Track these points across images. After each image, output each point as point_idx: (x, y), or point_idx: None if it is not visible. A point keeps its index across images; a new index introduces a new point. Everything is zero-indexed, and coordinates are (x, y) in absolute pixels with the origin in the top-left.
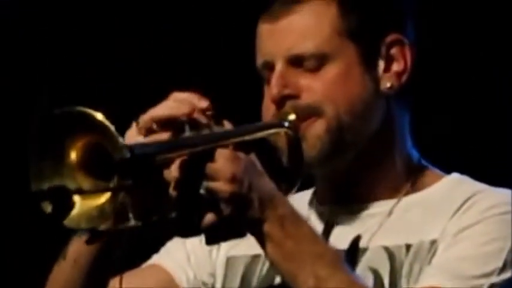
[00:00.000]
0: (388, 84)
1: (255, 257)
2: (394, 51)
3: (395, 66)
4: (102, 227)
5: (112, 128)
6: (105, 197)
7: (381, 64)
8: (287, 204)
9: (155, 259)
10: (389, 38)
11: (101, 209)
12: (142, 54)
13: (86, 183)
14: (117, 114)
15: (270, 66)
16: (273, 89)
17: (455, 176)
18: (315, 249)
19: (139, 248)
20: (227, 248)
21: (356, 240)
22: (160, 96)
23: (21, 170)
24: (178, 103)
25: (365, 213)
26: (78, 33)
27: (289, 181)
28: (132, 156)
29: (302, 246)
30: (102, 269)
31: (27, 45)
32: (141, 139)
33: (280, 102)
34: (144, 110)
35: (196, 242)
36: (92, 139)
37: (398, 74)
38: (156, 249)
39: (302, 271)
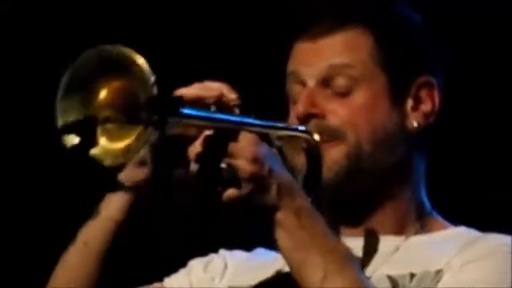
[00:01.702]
0: (415, 124)
1: None
2: (423, 92)
3: (423, 107)
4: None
5: (147, 69)
6: (130, 138)
7: (410, 102)
8: (304, 197)
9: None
10: (421, 79)
11: (126, 146)
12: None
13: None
14: None
15: (300, 81)
16: (300, 106)
17: (462, 227)
18: (328, 243)
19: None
20: (229, 278)
21: (363, 265)
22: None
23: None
24: (208, 87)
25: None
26: (76, 32)
27: None
28: (161, 94)
29: (314, 239)
30: (113, 254)
31: (25, 43)
32: None
33: (305, 120)
34: None
35: (200, 271)
36: (125, 82)
37: (426, 115)
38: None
39: (311, 262)
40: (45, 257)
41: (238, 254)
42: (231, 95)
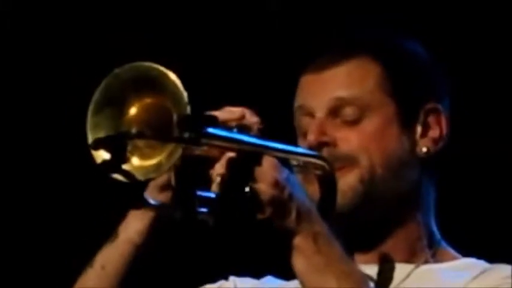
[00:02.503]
0: (425, 149)
1: None
2: (431, 118)
3: (432, 133)
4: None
5: (181, 87)
6: (161, 155)
7: (419, 129)
8: (322, 222)
9: None
10: (428, 106)
11: (157, 163)
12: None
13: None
14: None
15: (308, 112)
16: (311, 136)
17: (473, 258)
18: (344, 268)
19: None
20: None
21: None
22: None
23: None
24: (230, 110)
25: None
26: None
27: None
28: (193, 112)
29: (331, 264)
30: (130, 278)
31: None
32: None
33: (317, 149)
34: None
35: None
36: (157, 99)
37: (435, 141)
38: None
39: (327, 286)
40: (64, 274)
41: (248, 281)
42: (253, 119)
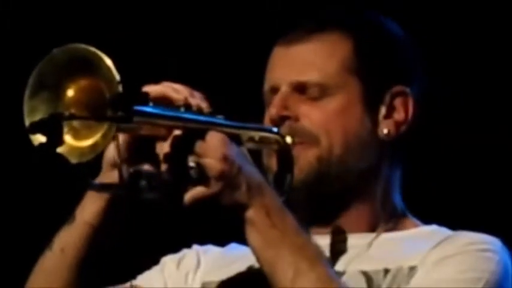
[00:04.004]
0: (386, 130)
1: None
2: (397, 101)
3: (396, 116)
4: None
5: (113, 66)
6: (97, 136)
7: (383, 110)
8: (274, 195)
9: (136, 282)
10: (396, 88)
11: (93, 144)
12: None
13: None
14: None
15: (274, 86)
16: (273, 109)
17: (434, 225)
18: (298, 240)
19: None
20: (203, 274)
21: (331, 261)
22: None
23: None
24: (174, 88)
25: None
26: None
27: None
28: (125, 91)
29: (285, 237)
30: (90, 261)
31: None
32: None
33: (279, 122)
34: None
35: (173, 268)
36: (91, 81)
37: (398, 123)
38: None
39: (282, 260)
40: (21, 259)
41: (211, 250)
42: (198, 95)
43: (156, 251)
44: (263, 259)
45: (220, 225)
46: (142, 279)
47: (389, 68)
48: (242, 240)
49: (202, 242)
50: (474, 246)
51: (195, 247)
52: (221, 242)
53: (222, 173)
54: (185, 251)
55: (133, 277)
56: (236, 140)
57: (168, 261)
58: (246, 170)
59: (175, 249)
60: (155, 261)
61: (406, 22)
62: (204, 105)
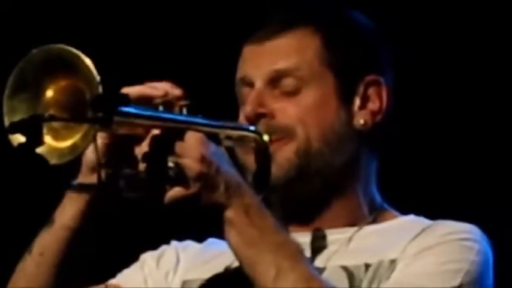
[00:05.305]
0: (362, 121)
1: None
2: (371, 91)
3: (371, 105)
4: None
5: (93, 67)
6: (76, 136)
7: (357, 101)
8: (253, 194)
9: (113, 282)
10: (368, 78)
11: (72, 144)
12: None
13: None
14: None
15: (248, 83)
16: (248, 107)
17: (411, 215)
18: (278, 239)
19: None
20: (183, 272)
21: (312, 258)
22: None
23: None
24: (152, 85)
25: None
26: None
27: None
28: (106, 91)
29: (265, 236)
30: (69, 265)
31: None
32: None
33: (254, 120)
34: None
35: (153, 266)
36: (71, 82)
37: (373, 113)
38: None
39: (263, 260)
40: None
41: (191, 245)
42: (176, 91)
43: (134, 247)
44: (243, 259)
45: (199, 219)
46: (121, 278)
47: (360, 59)
48: (221, 235)
49: (180, 238)
50: (453, 236)
51: (174, 243)
52: (200, 237)
53: (200, 173)
54: (164, 247)
55: (113, 275)
56: (214, 138)
57: (148, 258)
58: (224, 170)
59: (153, 245)
60: (134, 258)
61: (406, 22)
62: (184, 104)
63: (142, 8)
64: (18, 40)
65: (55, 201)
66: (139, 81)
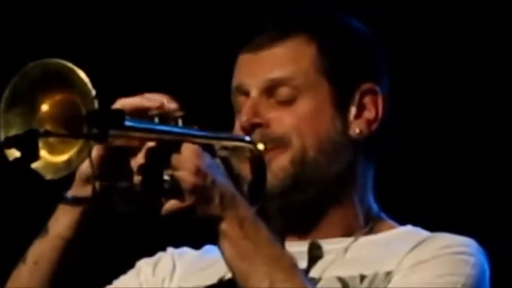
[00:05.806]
0: (358, 130)
1: None
2: (366, 99)
3: (367, 114)
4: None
5: (88, 82)
6: (72, 152)
7: (353, 110)
8: (248, 207)
9: None
10: (364, 87)
11: (68, 160)
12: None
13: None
14: None
15: (244, 92)
16: (243, 117)
17: (409, 226)
18: (272, 252)
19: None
20: (179, 279)
21: (307, 269)
22: None
23: None
24: (148, 97)
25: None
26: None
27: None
28: (101, 108)
29: (259, 248)
30: (63, 273)
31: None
32: None
33: (249, 130)
34: None
35: (149, 273)
36: (66, 96)
37: (369, 122)
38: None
39: (257, 272)
40: None
41: (187, 253)
42: (172, 105)
43: (130, 254)
44: (237, 271)
45: (195, 228)
46: (117, 284)
47: (355, 67)
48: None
49: (177, 244)
50: (450, 249)
51: (170, 250)
52: (196, 244)
53: (195, 186)
54: (160, 254)
55: (109, 282)
56: (209, 149)
57: (144, 265)
58: (219, 182)
59: (150, 252)
60: (130, 264)
61: (405, 22)
62: (179, 115)
63: (139, 15)
64: (18, 40)
65: (50, 210)
66: (135, 91)
